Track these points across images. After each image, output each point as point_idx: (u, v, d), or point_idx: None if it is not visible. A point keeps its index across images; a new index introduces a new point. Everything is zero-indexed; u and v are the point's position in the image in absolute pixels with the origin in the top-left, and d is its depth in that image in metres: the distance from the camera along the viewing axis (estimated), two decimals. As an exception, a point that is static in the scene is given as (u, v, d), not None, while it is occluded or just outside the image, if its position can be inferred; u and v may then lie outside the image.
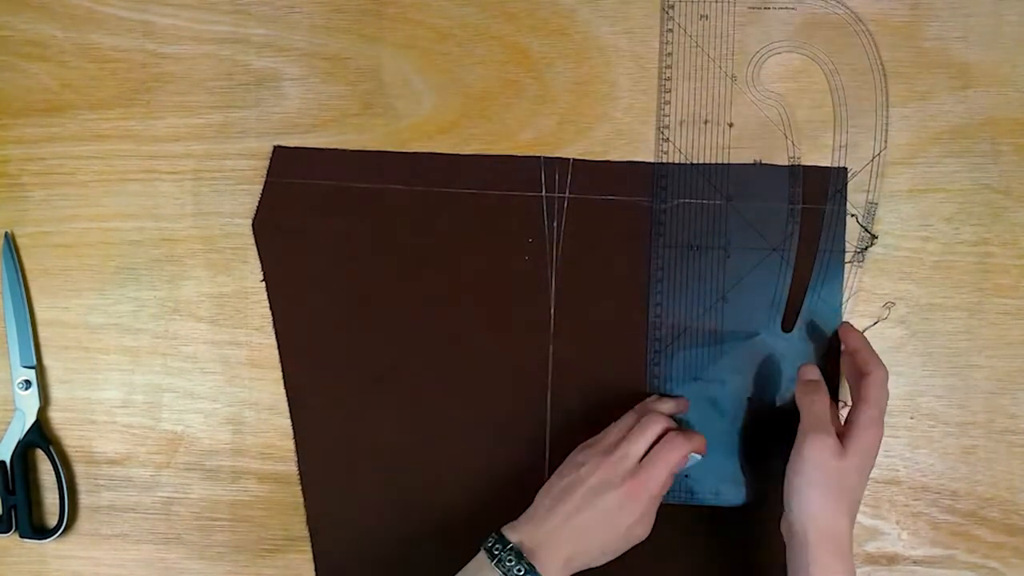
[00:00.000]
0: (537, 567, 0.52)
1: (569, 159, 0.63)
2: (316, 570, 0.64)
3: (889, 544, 0.62)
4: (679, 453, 0.56)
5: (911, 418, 0.62)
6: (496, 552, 0.53)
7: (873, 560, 0.62)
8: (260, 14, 0.64)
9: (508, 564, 0.52)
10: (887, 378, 0.57)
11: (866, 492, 0.61)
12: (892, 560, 0.62)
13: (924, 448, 0.62)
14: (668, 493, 0.57)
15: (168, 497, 0.65)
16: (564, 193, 0.63)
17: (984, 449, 0.62)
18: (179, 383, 0.65)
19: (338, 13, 0.64)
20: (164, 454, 0.65)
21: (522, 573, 0.52)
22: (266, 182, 0.64)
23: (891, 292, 0.62)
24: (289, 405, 0.64)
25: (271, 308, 0.64)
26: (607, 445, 0.57)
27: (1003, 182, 0.62)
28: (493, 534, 0.54)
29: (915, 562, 0.62)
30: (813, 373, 0.59)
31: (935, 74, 0.62)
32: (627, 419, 0.59)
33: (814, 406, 0.56)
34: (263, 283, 0.64)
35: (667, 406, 0.60)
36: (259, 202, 0.64)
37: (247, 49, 0.64)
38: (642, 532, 0.56)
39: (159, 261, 0.65)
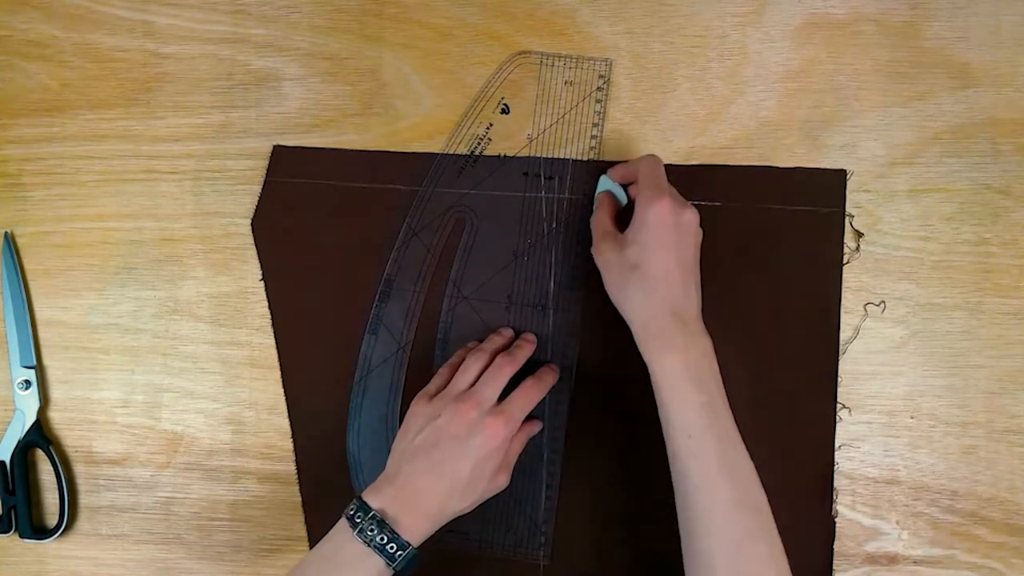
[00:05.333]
0: (401, 532, 0.50)
1: (568, 159, 0.63)
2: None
3: (889, 544, 0.62)
4: (538, 393, 0.56)
5: (911, 418, 0.62)
6: (358, 520, 0.50)
7: (873, 560, 0.62)
8: (260, 14, 0.64)
9: (370, 533, 0.50)
10: (657, 159, 0.56)
11: (866, 491, 0.61)
12: (892, 560, 0.62)
13: (924, 448, 0.62)
14: None
15: (168, 497, 0.65)
16: (564, 194, 0.62)
17: (984, 449, 0.62)
18: (179, 383, 0.65)
19: (338, 13, 0.64)
20: (164, 454, 0.65)
21: (385, 542, 0.49)
22: (266, 182, 0.64)
23: (891, 292, 0.62)
24: (288, 405, 0.64)
25: (270, 308, 0.64)
26: (458, 392, 0.55)
27: (1003, 182, 0.62)
28: (355, 500, 0.52)
29: (915, 562, 0.62)
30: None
31: (935, 74, 0.62)
32: (473, 363, 0.56)
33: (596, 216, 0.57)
34: (262, 283, 0.64)
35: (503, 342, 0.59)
36: (259, 202, 0.64)
37: (247, 49, 0.64)
38: (504, 481, 0.55)
39: (159, 261, 0.65)
